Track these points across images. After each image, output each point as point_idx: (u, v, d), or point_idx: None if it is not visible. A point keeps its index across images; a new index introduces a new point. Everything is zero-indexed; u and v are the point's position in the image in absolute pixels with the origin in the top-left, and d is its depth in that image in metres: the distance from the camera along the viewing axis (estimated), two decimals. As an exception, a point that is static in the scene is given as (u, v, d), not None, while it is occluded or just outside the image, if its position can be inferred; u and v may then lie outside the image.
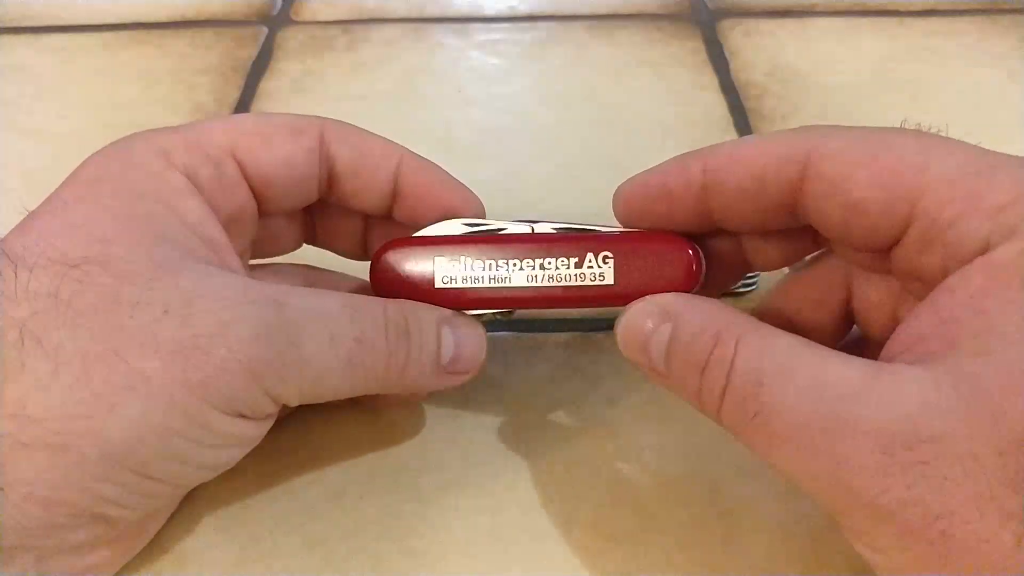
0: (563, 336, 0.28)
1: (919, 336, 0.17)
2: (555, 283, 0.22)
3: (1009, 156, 0.17)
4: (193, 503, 0.23)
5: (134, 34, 0.42)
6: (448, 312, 0.22)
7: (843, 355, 0.17)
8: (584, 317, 0.28)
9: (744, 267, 0.23)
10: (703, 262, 0.21)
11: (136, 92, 0.39)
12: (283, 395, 0.19)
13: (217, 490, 0.23)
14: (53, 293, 0.17)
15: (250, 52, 0.41)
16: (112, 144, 0.21)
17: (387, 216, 0.24)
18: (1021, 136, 0.35)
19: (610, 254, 0.21)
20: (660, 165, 0.21)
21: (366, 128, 0.23)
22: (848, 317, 0.22)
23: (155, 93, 0.38)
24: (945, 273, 0.17)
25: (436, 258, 0.22)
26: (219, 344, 0.18)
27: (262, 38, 0.42)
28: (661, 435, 0.25)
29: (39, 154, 0.35)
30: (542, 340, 0.27)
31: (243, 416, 0.19)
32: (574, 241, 0.22)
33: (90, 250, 0.18)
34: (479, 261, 0.22)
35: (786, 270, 0.24)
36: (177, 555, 0.22)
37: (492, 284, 0.22)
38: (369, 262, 0.23)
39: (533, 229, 0.22)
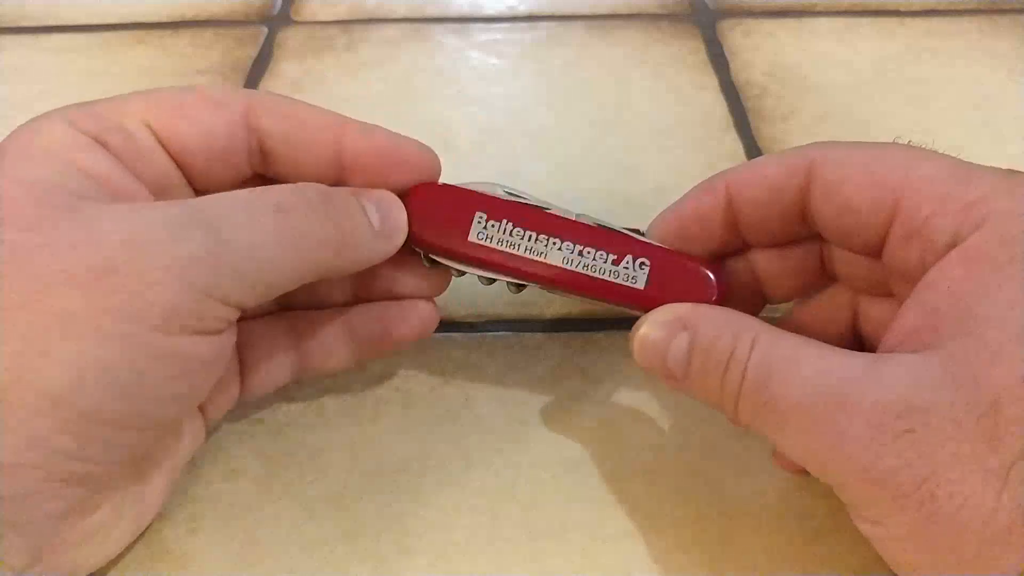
0: (563, 336, 0.28)
1: (909, 330, 0.18)
2: (588, 272, 0.22)
3: (984, 165, 0.19)
4: (193, 503, 0.23)
5: (134, 34, 0.42)
6: (351, 187, 0.22)
7: (844, 350, 0.18)
8: (584, 317, 0.28)
9: (760, 301, 0.24)
10: (729, 288, 0.22)
11: (136, 92, 0.39)
12: (227, 291, 0.18)
13: (217, 490, 0.23)
14: None
15: (250, 52, 0.41)
16: (26, 122, 0.20)
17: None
18: (1021, 136, 0.35)
19: (647, 261, 0.22)
20: (688, 192, 0.23)
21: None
22: (855, 340, 0.23)
23: (155, 93, 0.38)
24: (924, 267, 0.19)
25: (477, 212, 0.22)
26: (136, 256, 0.17)
27: (262, 38, 0.42)
28: (661, 435, 0.25)
29: (39, 154, 0.35)
30: (542, 340, 0.27)
31: (192, 332, 0.18)
32: (617, 240, 0.22)
33: None
34: (520, 229, 0.22)
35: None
36: (177, 555, 0.22)
37: (527, 255, 0.22)
38: None
39: (576, 217, 0.22)
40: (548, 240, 0.22)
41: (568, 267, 0.22)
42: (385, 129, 0.22)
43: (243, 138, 0.21)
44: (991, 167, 0.19)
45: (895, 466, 0.16)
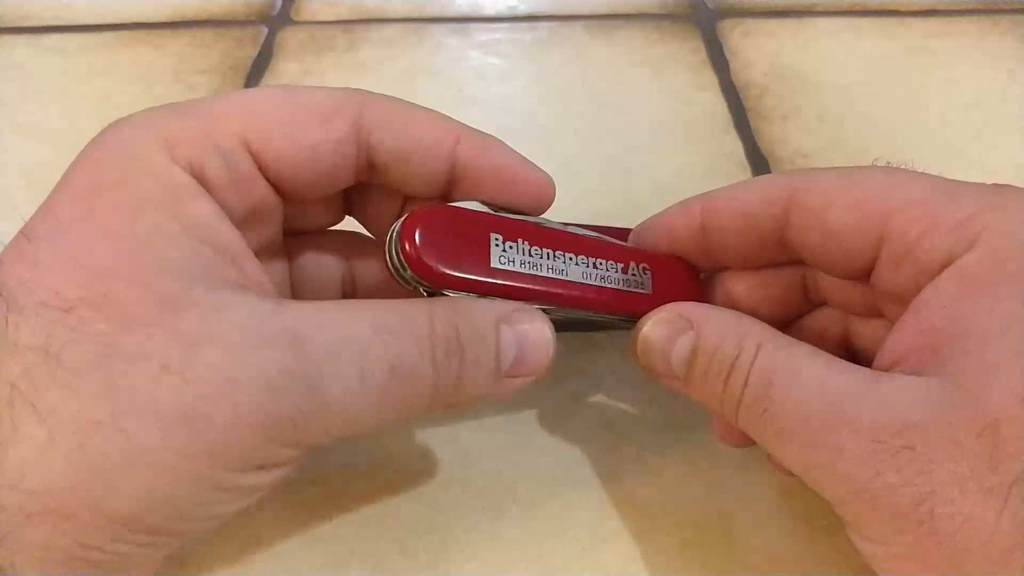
0: (563, 336, 0.28)
1: (906, 349, 0.18)
2: (605, 284, 0.21)
3: (970, 182, 0.19)
4: (193, 503, 0.23)
5: (134, 34, 0.42)
6: (508, 306, 0.19)
7: (847, 363, 0.18)
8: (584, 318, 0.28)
9: None
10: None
11: (136, 92, 0.39)
12: (306, 444, 0.18)
13: (217, 490, 0.23)
14: (43, 347, 0.16)
15: (250, 52, 0.41)
16: (111, 131, 0.18)
17: (442, 198, 0.21)
18: (1021, 136, 0.35)
19: (648, 266, 0.22)
20: (667, 208, 0.23)
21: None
22: (848, 356, 0.23)
23: (155, 93, 0.38)
24: (918, 287, 0.18)
25: (493, 235, 0.19)
26: (224, 406, 0.16)
27: (262, 38, 0.42)
28: (661, 435, 0.25)
29: (39, 154, 0.35)
30: (542, 340, 0.27)
31: (258, 468, 0.17)
32: (617, 248, 0.22)
33: (86, 288, 0.16)
34: (537, 248, 0.20)
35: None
36: (177, 555, 0.22)
37: (550, 274, 0.20)
38: None
39: (567, 227, 0.21)
40: (565, 257, 0.20)
41: (587, 282, 0.20)
42: (502, 144, 0.21)
43: (351, 155, 0.19)
44: (976, 183, 0.19)
45: (894, 484, 0.16)
